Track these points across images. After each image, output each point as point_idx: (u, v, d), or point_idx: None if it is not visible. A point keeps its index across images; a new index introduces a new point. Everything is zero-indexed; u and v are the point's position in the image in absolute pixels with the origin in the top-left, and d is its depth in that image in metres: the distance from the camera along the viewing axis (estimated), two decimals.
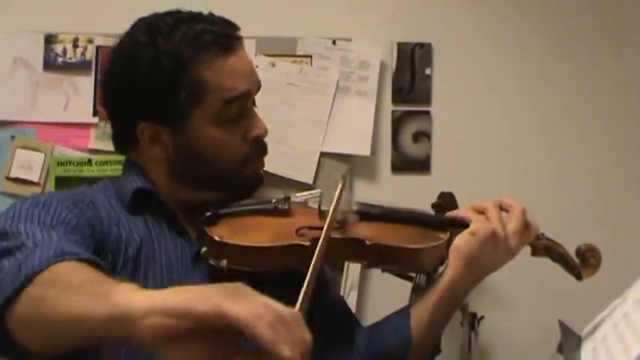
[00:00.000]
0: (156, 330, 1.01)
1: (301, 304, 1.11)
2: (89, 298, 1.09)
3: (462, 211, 1.76)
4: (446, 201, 2.65)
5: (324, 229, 1.42)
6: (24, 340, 1.19)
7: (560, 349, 1.55)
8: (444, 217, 1.82)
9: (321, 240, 1.37)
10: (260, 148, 1.67)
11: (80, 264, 1.22)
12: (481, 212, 1.72)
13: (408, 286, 2.81)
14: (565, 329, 1.56)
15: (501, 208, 1.73)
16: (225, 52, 1.59)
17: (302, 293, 1.14)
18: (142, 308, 1.02)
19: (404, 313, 1.74)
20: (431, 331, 1.73)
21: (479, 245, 1.67)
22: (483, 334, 2.96)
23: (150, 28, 1.60)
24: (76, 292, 1.13)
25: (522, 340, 3.03)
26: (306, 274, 1.20)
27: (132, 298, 1.05)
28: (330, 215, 1.47)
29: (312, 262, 1.25)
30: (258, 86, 1.67)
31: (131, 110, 1.60)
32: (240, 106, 1.60)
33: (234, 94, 1.58)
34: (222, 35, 1.59)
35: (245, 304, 0.98)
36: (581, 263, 1.80)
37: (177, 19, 1.60)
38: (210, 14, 1.64)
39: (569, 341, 1.52)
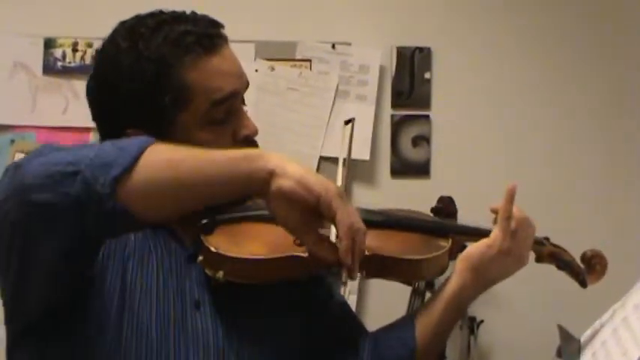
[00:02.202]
0: (286, 189, 1.29)
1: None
2: (232, 159, 1.33)
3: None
4: (445, 205, 2.66)
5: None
6: (142, 208, 1.26)
7: (559, 354, 1.54)
8: (447, 224, 1.80)
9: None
10: (250, 147, 1.63)
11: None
12: (508, 217, 1.68)
13: (407, 289, 2.81)
14: (564, 334, 1.55)
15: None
16: (209, 52, 1.54)
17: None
18: (287, 172, 1.30)
19: (408, 322, 1.71)
20: (435, 340, 1.70)
21: (492, 258, 1.64)
22: (483, 338, 2.96)
23: (131, 32, 1.55)
24: (210, 152, 1.33)
25: (521, 345, 3.03)
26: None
27: (283, 163, 1.32)
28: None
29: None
30: (246, 85, 1.61)
31: (116, 117, 1.56)
32: (227, 107, 1.55)
33: (220, 95, 1.53)
34: (204, 35, 1.54)
35: (345, 204, 1.34)
36: (587, 269, 1.77)
37: (159, 21, 1.55)
38: (193, 13, 1.59)
39: (569, 346, 1.51)
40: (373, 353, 1.71)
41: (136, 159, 1.25)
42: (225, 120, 1.56)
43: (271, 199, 1.31)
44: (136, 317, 1.46)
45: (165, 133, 1.52)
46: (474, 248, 1.67)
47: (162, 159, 1.29)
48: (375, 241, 1.59)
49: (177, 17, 1.57)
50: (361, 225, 1.36)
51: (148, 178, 1.26)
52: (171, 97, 1.52)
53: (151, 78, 1.51)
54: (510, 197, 1.67)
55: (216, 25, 1.59)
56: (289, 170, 1.30)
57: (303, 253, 1.50)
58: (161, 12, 1.59)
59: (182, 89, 1.52)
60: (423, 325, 1.69)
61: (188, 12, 1.59)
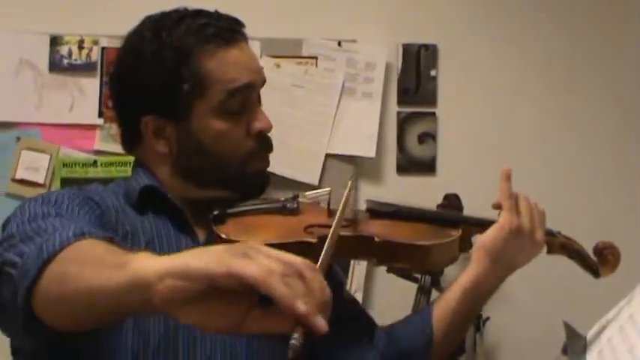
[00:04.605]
0: (172, 292, 1.01)
1: (321, 263, 1.15)
2: (109, 269, 1.09)
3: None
4: (451, 202, 2.66)
5: (339, 211, 1.46)
6: (50, 320, 1.20)
7: (565, 351, 1.54)
8: (457, 215, 1.81)
9: (337, 216, 1.42)
10: (264, 143, 1.66)
11: (99, 241, 1.23)
12: (511, 195, 1.68)
13: (413, 287, 2.81)
14: (570, 331, 1.55)
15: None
16: (228, 44, 1.60)
17: (322, 254, 1.21)
18: (158, 271, 1.02)
19: (425, 310, 1.72)
20: (453, 330, 1.70)
21: (506, 239, 1.65)
22: (488, 335, 2.96)
23: (155, 24, 1.62)
24: (96, 265, 1.13)
25: (527, 341, 3.02)
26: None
27: (148, 263, 1.05)
28: (340, 208, 1.48)
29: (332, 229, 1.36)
30: (263, 81, 1.67)
31: (135, 104, 1.62)
32: (243, 99, 1.61)
33: (237, 85, 1.58)
34: (225, 29, 1.61)
35: (258, 262, 0.99)
36: (599, 261, 1.77)
37: (183, 15, 1.62)
38: (216, 11, 1.66)
39: (575, 343, 1.51)
40: (389, 342, 1.71)
41: (41, 268, 1.19)
42: (240, 111, 1.62)
43: (171, 312, 1.03)
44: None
45: (181, 121, 1.59)
46: (486, 234, 1.67)
47: (56, 272, 1.17)
48: (386, 230, 1.63)
49: (201, 12, 1.64)
50: (282, 264, 1.01)
51: (45, 290, 1.18)
52: (189, 84, 1.57)
53: (171, 65, 1.57)
54: (506, 177, 1.70)
55: (237, 22, 1.66)
56: (162, 268, 1.02)
57: (312, 239, 1.52)
58: (186, 8, 1.65)
59: (200, 77, 1.57)
60: (441, 314, 1.69)
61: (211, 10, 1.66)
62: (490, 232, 1.67)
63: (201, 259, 1.00)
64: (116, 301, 1.08)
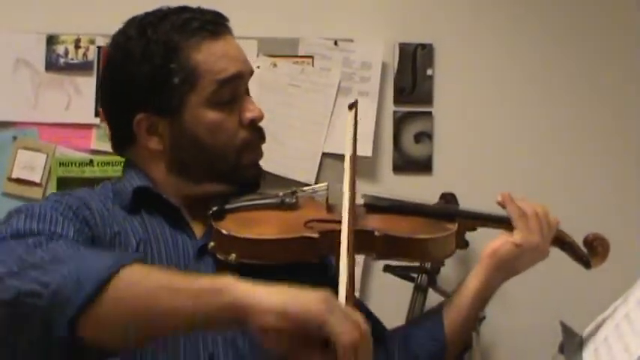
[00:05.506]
0: (269, 326, 1.13)
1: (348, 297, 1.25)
2: (198, 293, 1.17)
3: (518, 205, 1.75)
4: (447, 201, 2.66)
5: (346, 216, 1.46)
6: (104, 340, 1.20)
7: (561, 350, 1.55)
8: (452, 209, 1.84)
9: (345, 223, 1.43)
10: (257, 133, 1.67)
11: (143, 267, 1.24)
12: (522, 214, 1.73)
13: (409, 286, 2.81)
14: (567, 330, 1.56)
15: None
16: (213, 36, 1.62)
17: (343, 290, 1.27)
18: (263, 306, 1.14)
19: (437, 318, 1.76)
20: (463, 333, 1.76)
21: (520, 255, 1.72)
22: (485, 335, 2.96)
23: (140, 22, 1.64)
24: (169, 289, 1.19)
25: (524, 341, 3.03)
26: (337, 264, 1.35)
27: (254, 294, 1.15)
28: (346, 206, 1.49)
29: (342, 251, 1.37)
30: (251, 71, 1.69)
31: (127, 104, 1.62)
32: (233, 89, 1.62)
33: (226, 75, 1.60)
34: (209, 22, 1.63)
35: (339, 319, 1.13)
36: (589, 252, 1.82)
37: (166, 12, 1.65)
38: (199, 7, 1.68)
39: (571, 342, 1.52)
40: (404, 350, 1.74)
41: (92, 296, 1.18)
42: (231, 102, 1.64)
43: (256, 333, 1.16)
44: None
45: (174, 115, 1.61)
46: (501, 246, 1.73)
47: (121, 296, 1.19)
48: (384, 224, 1.65)
49: (184, 8, 1.67)
50: (360, 334, 1.14)
51: (98, 316, 1.19)
52: (179, 78, 1.59)
53: (160, 60, 1.59)
54: (510, 200, 1.74)
55: (220, 16, 1.67)
56: (265, 304, 1.14)
57: (313, 233, 1.53)
58: (168, 7, 1.67)
59: (190, 70, 1.59)
60: (452, 320, 1.74)
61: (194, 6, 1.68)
62: (504, 246, 1.72)
63: (297, 302, 1.14)
64: (202, 322, 1.18)
